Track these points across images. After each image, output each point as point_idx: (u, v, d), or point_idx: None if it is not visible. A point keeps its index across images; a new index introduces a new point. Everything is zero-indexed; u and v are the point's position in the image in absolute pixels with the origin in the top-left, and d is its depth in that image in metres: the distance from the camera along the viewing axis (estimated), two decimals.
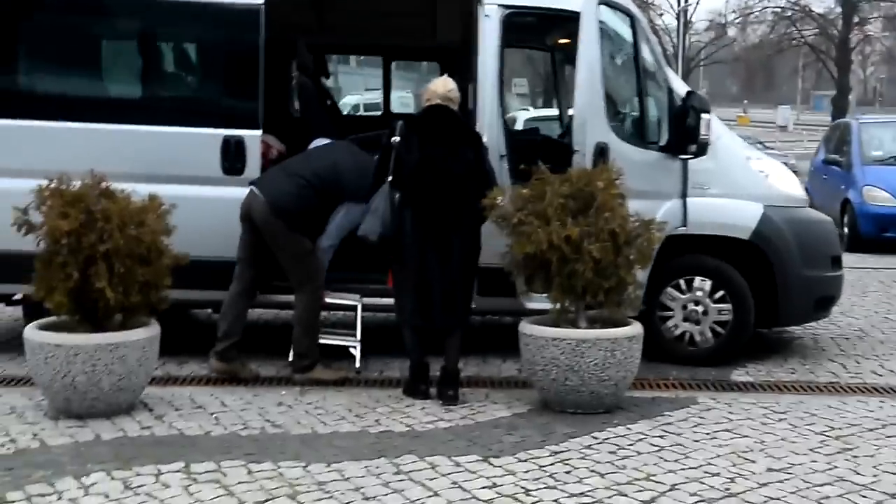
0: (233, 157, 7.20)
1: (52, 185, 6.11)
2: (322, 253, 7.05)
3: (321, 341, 7.28)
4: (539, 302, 7.47)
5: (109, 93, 7.67)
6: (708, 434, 5.98)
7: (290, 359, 7.11)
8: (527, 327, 6.48)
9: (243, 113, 7.23)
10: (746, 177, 7.73)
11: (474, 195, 6.63)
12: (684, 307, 7.61)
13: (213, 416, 6.24)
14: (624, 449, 5.69)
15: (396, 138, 6.72)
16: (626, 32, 7.19)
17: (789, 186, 7.95)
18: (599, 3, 6.83)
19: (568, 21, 7.55)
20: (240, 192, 7.15)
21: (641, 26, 7.25)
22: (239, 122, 7.22)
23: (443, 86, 6.78)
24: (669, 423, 6.17)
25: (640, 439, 5.87)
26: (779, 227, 7.61)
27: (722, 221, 7.48)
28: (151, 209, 6.24)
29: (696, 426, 6.14)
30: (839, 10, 40.79)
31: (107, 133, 7.16)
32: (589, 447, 5.73)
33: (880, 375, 7.59)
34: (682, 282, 7.57)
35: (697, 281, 7.58)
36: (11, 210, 6.10)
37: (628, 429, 6.06)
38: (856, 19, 40.62)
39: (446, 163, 6.62)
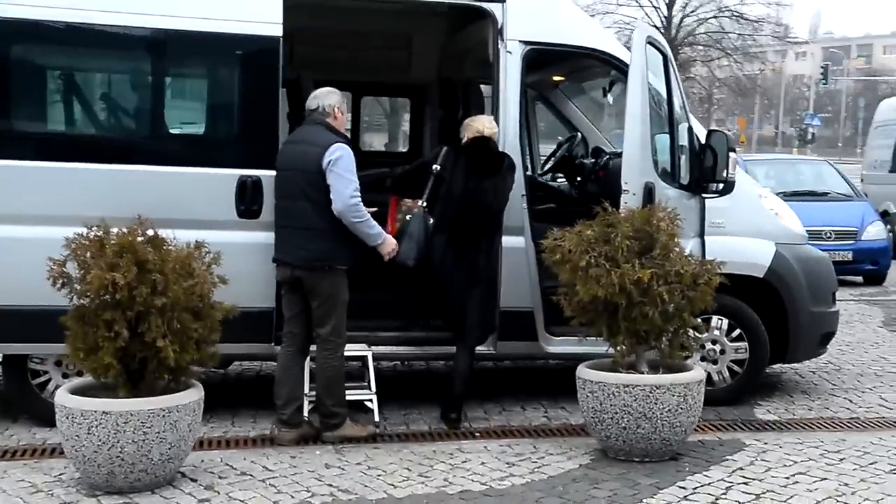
0: (249, 198, 6.67)
1: (93, 234, 5.48)
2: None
3: None
4: (559, 346, 7.36)
5: (117, 132, 7.00)
6: (788, 479, 5.88)
7: (307, 416, 6.64)
8: (591, 374, 6.24)
9: (260, 152, 6.71)
10: (759, 215, 7.76)
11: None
12: (702, 346, 7.54)
13: (267, 483, 5.71)
14: (722, 500, 5.53)
15: (437, 166, 6.90)
16: (661, 71, 7.10)
17: (794, 224, 8.04)
18: (648, 43, 6.71)
19: (595, 58, 7.47)
20: (256, 237, 6.67)
21: (673, 64, 7.19)
22: (255, 162, 6.69)
23: (488, 122, 7.02)
24: (742, 469, 6.04)
25: (728, 487, 5.72)
26: (790, 265, 7.68)
27: (739, 260, 7.43)
28: (198, 257, 5.69)
29: (768, 470, 6.03)
30: None
31: (112, 174, 6.52)
32: (685, 498, 5.55)
33: (890, 409, 7.74)
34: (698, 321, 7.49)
35: (714, 320, 7.52)
36: (44, 260, 5.44)
37: (707, 476, 5.91)
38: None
39: (488, 196, 6.80)
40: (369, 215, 6.42)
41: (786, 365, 8.74)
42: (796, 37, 60.22)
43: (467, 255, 6.81)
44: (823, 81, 62.73)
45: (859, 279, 15.41)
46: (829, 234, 14.99)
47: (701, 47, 43.50)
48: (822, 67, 62.53)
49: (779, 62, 71.67)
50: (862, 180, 20.71)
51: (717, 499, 5.54)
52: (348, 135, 7.25)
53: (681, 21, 41.93)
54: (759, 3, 41.80)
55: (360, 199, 6.30)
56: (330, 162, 6.26)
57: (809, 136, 59.81)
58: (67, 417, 5.42)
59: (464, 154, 6.89)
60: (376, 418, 6.81)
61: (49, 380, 6.78)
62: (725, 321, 7.58)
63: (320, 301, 6.38)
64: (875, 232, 15.35)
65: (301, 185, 6.34)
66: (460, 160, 6.85)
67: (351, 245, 6.42)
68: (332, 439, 6.51)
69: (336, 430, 6.54)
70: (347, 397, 6.74)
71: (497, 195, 6.80)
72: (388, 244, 6.53)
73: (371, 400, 6.89)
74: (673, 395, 6.06)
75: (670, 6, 41.62)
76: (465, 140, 6.95)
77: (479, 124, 6.93)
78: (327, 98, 6.53)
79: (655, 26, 41.83)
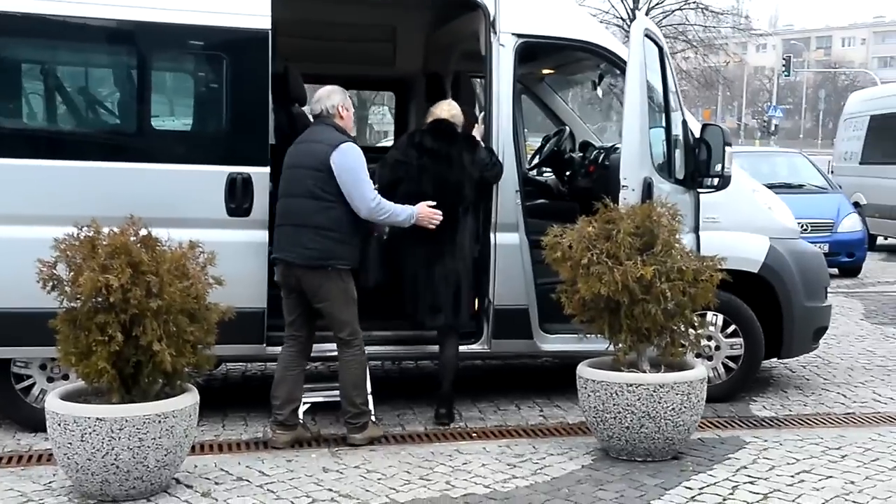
0: (239, 196, 6.50)
1: (84, 234, 5.29)
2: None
3: (322, 399, 6.74)
4: (554, 343, 7.27)
5: (102, 128, 6.77)
6: (793, 477, 5.82)
7: (301, 419, 6.48)
8: (593, 373, 6.14)
9: (250, 148, 6.55)
10: (752, 210, 7.70)
11: (472, 199, 6.87)
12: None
13: (265, 488, 5.56)
14: (730, 500, 5.46)
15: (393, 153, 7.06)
16: (657, 64, 6.99)
17: (787, 219, 7.98)
18: (645, 36, 6.60)
19: (589, 51, 7.37)
20: (246, 235, 6.51)
21: (668, 58, 7.09)
22: (246, 159, 6.53)
23: (447, 106, 7.07)
24: (745, 468, 5.98)
25: (735, 487, 5.65)
26: (784, 260, 7.62)
27: (733, 255, 7.28)
28: (192, 257, 5.51)
29: (772, 469, 5.97)
30: None
31: (97, 172, 6.32)
32: (693, 499, 5.47)
33: (884, 403, 7.71)
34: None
35: (709, 316, 7.43)
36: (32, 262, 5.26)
37: (712, 476, 5.83)
38: None
39: (441, 166, 6.78)
40: (392, 206, 6.31)
41: (776, 360, 8.71)
42: (758, 29, 60.61)
43: (430, 236, 6.66)
44: (786, 73, 63.20)
45: (834, 271, 15.43)
46: (805, 227, 14.98)
47: (666, 39, 43.64)
48: (784, 59, 63.02)
49: (740, 54, 72.16)
50: (832, 172, 20.83)
51: (724, 499, 5.46)
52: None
53: (647, 13, 41.97)
54: None
55: (379, 197, 6.22)
56: (340, 165, 6.10)
57: (773, 128, 60.18)
58: (59, 424, 5.24)
59: (420, 134, 6.99)
60: (373, 419, 6.66)
61: (34, 384, 6.58)
62: (721, 317, 7.51)
63: (329, 304, 6.22)
64: (851, 224, 15.42)
65: (306, 183, 6.16)
66: (414, 139, 6.97)
67: (352, 245, 6.28)
68: (361, 441, 6.37)
69: (364, 430, 6.39)
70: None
71: (453, 167, 6.74)
72: (423, 214, 6.46)
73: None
74: (677, 394, 5.98)
75: None
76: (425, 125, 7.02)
77: (439, 109, 6.98)
78: (329, 99, 6.35)
79: (622, 18, 42.03)
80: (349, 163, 6.11)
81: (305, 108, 8.11)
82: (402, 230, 6.62)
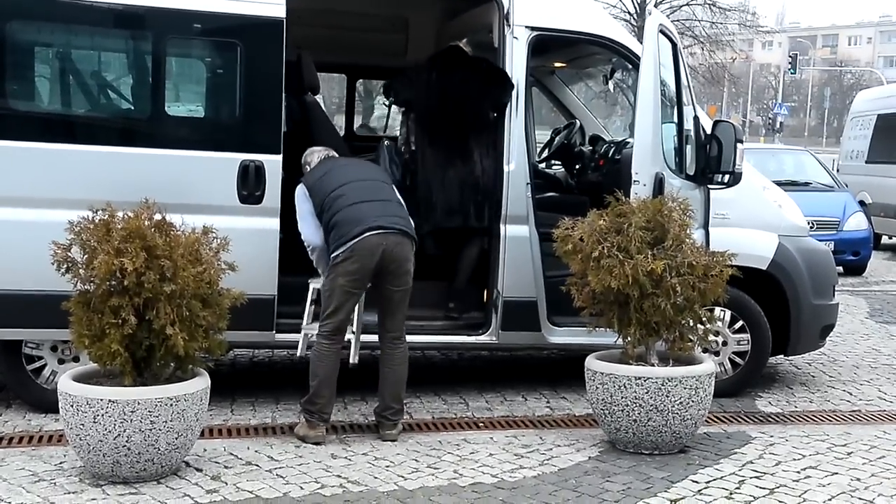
0: (251, 184, 6.52)
1: (99, 218, 5.32)
2: None
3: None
4: (562, 336, 7.28)
5: (116, 113, 6.80)
6: (799, 473, 5.85)
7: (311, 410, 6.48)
8: (602, 365, 6.16)
9: (263, 136, 6.57)
10: (762, 207, 7.71)
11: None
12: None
13: (275, 473, 5.60)
14: (737, 494, 5.48)
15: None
16: (670, 60, 6.99)
17: (796, 216, 7.99)
18: (659, 31, 6.61)
19: (601, 46, 7.37)
20: (258, 223, 6.53)
21: (682, 54, 7.10)
22: (258, 146, 6.55)
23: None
24: (752, 463, 6.01)
25: (741, 481, 5.68)
26: (793, 257, 7.64)
27: (742, 252, 7.26)
28: (205, 243, 5.54)
29: (778, 464, 6.00)
30: None
31: (110, 157, 6.34)
32: (700, 493, 5.50)
33: (890, 402, 7.73)
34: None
35: (717, 311, 7.43)
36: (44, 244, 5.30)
37: (718, 470, 5.86)
38: None
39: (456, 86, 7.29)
40: None
41: (781, 356, 8.73)
42: (765, 26, 60.44)
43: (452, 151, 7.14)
44: (791, 71, 63.04)
45: (839, 269, 15.41)
46: (811, 225, 14.97)
47: None
48: (790, 57, 62.79)
49: (746, 51, 71.96)
50: (838, 170, 20.82)
51: (731, 493, 5.50)
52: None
53: (654, 7, 41.87)
54: None
55: None
56: None
57: (778, 125, 60.09)
58: (72, 406, 5.27)
59: (431, 62, 7.48)
60: (352, 360, 6.44)
61: (44, 365, 6.62)
62: (728, 313, 7.52)
63: (406, 288, 6.19)
64: (856, 222, 15.43)
65: (385, 190, 6.32)
66: (429, 69, 7.41)
67: None
68: (397, 436, 6.30)
69: (398, 427, 6.36)
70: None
71: (469, 82, 7.11)
72: None
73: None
74: (685, 388, 6.01)
75: None
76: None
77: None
78: None
79: (629, 12, 41.99)
80: None
81: (318, 97, 8.16)
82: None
